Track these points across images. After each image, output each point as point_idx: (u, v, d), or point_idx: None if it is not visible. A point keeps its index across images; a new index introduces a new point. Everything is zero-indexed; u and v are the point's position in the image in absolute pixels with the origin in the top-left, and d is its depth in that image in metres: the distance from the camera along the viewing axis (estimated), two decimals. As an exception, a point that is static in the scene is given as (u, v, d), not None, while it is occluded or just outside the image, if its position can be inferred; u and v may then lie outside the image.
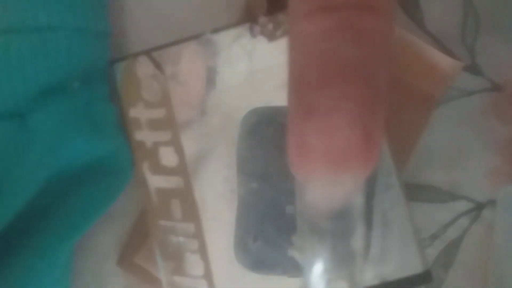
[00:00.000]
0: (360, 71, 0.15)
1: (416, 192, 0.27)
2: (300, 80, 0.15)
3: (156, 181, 0.25)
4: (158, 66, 0.26)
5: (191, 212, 0.25)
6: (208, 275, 0.25)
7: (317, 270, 0.17)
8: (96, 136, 0.24)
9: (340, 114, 0.15)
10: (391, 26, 0.16)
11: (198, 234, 0.25)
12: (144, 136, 0.26)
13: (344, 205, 0.16)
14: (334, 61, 0.15)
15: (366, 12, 0.15)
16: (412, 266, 0.23)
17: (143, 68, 0.26)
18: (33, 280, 0.23)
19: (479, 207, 0.27)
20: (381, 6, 0.15)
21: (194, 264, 0.25)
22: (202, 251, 0.25)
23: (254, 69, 0.25)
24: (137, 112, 0.26)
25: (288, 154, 0.16)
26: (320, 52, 0.15)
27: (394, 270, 0.23)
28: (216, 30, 0.25)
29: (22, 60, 0.23)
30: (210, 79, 0.25)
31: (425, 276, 0.24)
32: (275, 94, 0.25)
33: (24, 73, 0.23)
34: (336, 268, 0.17)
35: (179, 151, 0.25)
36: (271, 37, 0.25)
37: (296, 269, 0.24)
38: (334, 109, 0.15)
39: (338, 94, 0.15)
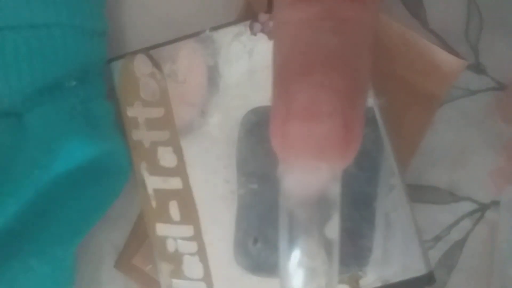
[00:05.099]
0: (340, 60, 0.15)
1: (418, 193, 0.27)
2: (283, 69, 0.16)
3: (154, 182, 0.25)
4: (156, 64, 0.26)
5: (190, 214, 0.25)
6: (207, 278, 0.24)
7: (293, 261, 0.17)
8: (93, 135, 0.24)
9: (319, 104, 0.15)
10: (374, 17, 0.16)
11: (197, 236, 0.25)
12: (142, 135, 0.25)
13: (320, 193, 0.16)
14: (315, 50, 0.15)
15: (349, 2, 0.15)
16: (415, 268, 0.23)
17: (141, 66, 0.26)
18: (38, 284, 0.23)
19: (483, 208, 0.27)
20: None
21: (193, 267, 0.24)
22: (201, 253, 0.24)
23: (254, 67, 0.25)
24: (135, 111, 0.26)
25: (271, 140, 0.16)
26: (301, 41, 0.15)
27: (397, 272, 0.23)
28: (215, 28, 0.25)
29: (17, 58, 0.23)
30: (212, 78, 0.25)
31: (428, 278, 0.23)
32: (276, 93, 0.24)
33: (19, 70, 0.23)
34: (312, 257, 0.17)
35: (178, 151, 0.25)
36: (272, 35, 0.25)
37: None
38: (314, 98, 0.15)
39: (318, 83, 0.15)
